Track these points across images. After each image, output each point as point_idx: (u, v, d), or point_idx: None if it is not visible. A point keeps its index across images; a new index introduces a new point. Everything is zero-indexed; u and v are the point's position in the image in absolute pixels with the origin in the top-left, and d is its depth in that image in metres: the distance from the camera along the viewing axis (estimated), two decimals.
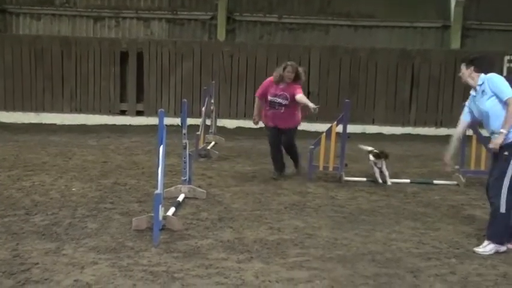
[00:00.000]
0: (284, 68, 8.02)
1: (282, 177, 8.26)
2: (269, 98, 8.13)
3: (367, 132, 13.65)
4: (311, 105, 7.73)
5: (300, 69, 8.17)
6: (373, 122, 14.03)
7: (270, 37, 15.21)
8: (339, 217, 6.36)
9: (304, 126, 13.68)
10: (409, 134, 13.66)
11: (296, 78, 8.08)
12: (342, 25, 15.17)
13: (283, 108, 8.08)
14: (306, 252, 5.14)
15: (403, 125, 13.97)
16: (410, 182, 8.18)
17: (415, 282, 4.56)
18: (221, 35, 14.82)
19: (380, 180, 8.07)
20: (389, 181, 8.04)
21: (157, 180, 5.36)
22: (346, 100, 8.38)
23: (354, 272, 4.72)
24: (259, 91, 8.33)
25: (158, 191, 5.20)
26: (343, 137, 8.13)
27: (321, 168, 8.27)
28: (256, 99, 8.43)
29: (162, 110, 5.35)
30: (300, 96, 7.98)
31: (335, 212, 6.58)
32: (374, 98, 14.06)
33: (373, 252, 5.21)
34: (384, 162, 8.10)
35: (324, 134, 8.27)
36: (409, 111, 14.12)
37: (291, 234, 5.64)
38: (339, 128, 8.16)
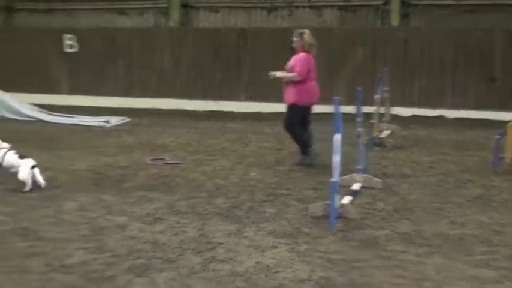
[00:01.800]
0: None
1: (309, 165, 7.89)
2: None
3: None
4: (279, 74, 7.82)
5: (306, 35, 7.77)
6: None
7: (447, 21, 14.38)
8: None
9: (487, 115, 12.89)
10: None
11: (306, 48, 7.78)
12: None
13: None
14: (494, 250, 4.78)
15: None
16: None
17: None
18: (395, 20, 14.36)
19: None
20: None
21: (332, 168, 5.36)
22: None
23: None
24: None
25: (334, 179, 5.20)
26: None
27: (508, 160, 7.69)
28: None
29: (338, 97, 5.31)
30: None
31: None
32: None
33: None
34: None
35: (511, 123, 7.65)
36: None
37: (475, 230, 5.29)
38: None
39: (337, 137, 5.23)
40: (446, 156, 8.86)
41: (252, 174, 7.52)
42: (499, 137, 7.69)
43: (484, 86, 13.19)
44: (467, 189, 6.86)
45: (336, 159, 5.23)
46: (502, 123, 11.78)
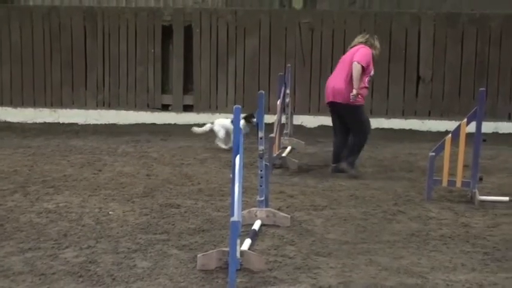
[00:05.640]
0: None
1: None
2: (372, 72, 9.37)
3: (500, 131, 13.28)
4: None
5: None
6: (509, 118, 13.65)
7: (364, 3, 14.99)
8: (479, 253, 6.14)
9: (412, 124, 13.53)
10: None
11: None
12: None
13: None
14: None
15: None
16: None
17: None
18: (297, 1, 14.73)
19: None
20: None
21: (232, 203, 5.30)
22: (481, 89, 8.18)
23: None
24: (367, 60, 9.18)
25: (235, 217, 5.14)
26: (477, 140, 7.92)
27: (444, 184, 8.11)
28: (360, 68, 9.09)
29: (239, 106, 5.30)
30: None
31: (472, 245, 6.36)
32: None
33: None
34: None
35: (450, 136, 8.05)
36: None
37: (417, 278, 5.46)
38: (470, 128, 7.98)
39: (238, 160, 5.19)
40: (367, 179, 9.14)
41: (110, 212, 7.29)
42: (433, 154, 8.06)
43: (410, 86, 13.85)
44: (398, 222, 7.10)
45: (237, 190, 5.18)
46: (431, 135, 12.51)
